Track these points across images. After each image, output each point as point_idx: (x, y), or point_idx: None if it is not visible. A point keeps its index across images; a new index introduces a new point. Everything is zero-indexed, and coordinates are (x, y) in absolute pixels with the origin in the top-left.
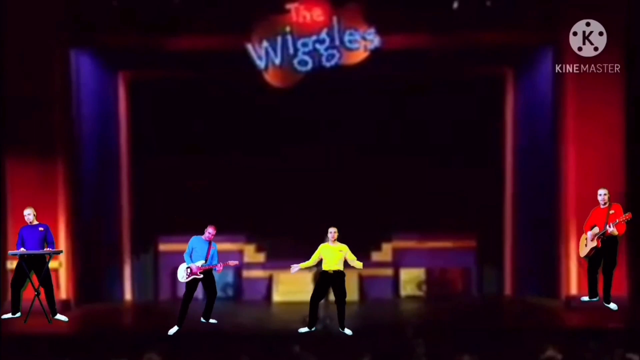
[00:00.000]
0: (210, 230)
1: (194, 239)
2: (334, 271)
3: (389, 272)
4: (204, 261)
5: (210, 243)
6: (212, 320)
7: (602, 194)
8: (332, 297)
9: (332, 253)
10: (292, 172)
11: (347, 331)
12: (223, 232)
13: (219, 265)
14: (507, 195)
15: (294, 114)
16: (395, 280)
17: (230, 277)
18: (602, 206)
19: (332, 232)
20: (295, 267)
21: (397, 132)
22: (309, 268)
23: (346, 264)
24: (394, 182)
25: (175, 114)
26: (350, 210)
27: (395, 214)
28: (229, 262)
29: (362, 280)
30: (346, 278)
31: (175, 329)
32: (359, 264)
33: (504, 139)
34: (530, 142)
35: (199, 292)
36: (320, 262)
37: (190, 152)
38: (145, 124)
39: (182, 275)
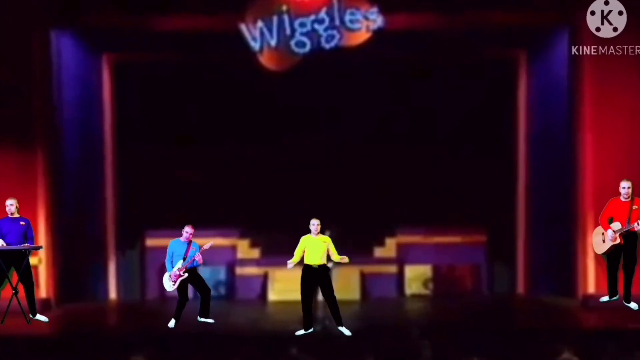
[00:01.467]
0: (187, 230)
1: (172, 243)
2: (319, 266)
3: (393, 269)
4: (182, 261)
5: (190, 243)
6: (208, 320)
7: (626, 187)
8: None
9: (316, 245)
10: (289, 163)
11: (346, 330)
12: (215, 226)
13: (197, 256)
14: (519, 186)
15: (291, 100)
16: (400, 277)
17: (222, 275)
18: (623, 199)
19: (315, 224)
20: (290, 264)
21: (401, 120)
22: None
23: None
24: (398, 173)
25: (164, 100)
26: (352, 204)
27: (399, 207)
28: (204, 247)
29: (364, 277)
30: (347, 276)
31: (173, 321)
32: (344, 259)
33: (516, 126)
34: (545, 130)
35: (191, 292)
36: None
37: (180, 141)
38: (132, 111)
39: (168, 284)
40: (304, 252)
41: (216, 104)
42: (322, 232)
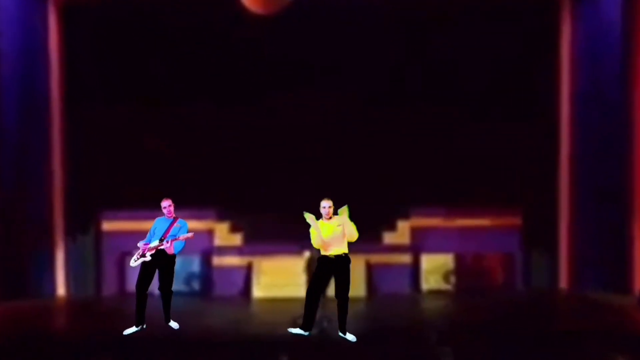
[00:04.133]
0: (164, 205)
1: (157, 221)
2: (336, 256)
3: (406, 258)
4: (158, 241)
5: (174, 220)
6: (172, 324)
7: None
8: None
9: (330, 229)
10: (278, 129)
11: (350, 336)
12: (187, 205)
13: (165, 241)
14: (562, 157)
15: (281, 51)
16: (415, 269)
17: (195, 266)
18: None
19: (326, 206)
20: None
21: (416, 76)
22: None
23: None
24: (412, 141)
25: (123, 50)
26: (355, 178)
27: (414, 183)
28: (180, 236)
29: (371, 269)
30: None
31: (132, 329)
32: (353, 235)
33: (558, 83)
34: (593, 88)
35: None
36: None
37: (144, 101)
38: (85, 64)
39: (133, 258)
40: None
41: (187, 55)
42: (316, 213)
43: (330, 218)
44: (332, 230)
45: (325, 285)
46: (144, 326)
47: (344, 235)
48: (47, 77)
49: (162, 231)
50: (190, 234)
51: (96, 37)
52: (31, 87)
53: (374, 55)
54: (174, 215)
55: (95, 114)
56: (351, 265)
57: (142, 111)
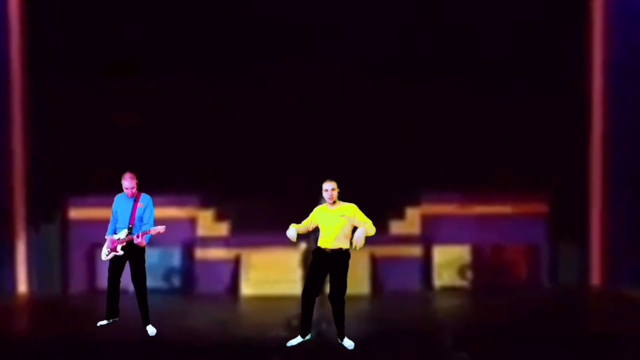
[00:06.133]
0: (126, 185)
1: (117, 198)
2: (332, 250)
3: (416, 251)
4: (127, 230)
5: (136, 200)
6: (149, 329)
7: None
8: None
9: (332, 220)
10: (269, 102)
11: (348, 343)
12: (166, 191)
13: (135, 235)
14: (594, 136)
15: (272, 12)
16: (426, 263)
17: (176, 259)
18: None
19: (329, 188)
20: (291, 230)
21: (427, 41)
22: (304, 234)
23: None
24: (423, 117)
25: (94, 15)
26: (357, 159)
27: (425, 165)
28: (151, 229)
29: (376, 263)
30: (352, 261)
31: (104, 322)
32: (370, 230)
33: (589, 51)
34: (630, 56)
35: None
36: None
37: (117, 71)
38: (49, 29)
39: (104, 251)
40: (313, 226)
41: (164, 18)
42: (312, 198)
43: (334, 203)
44: (334, 217)
45: (322, 282)
46: (117, 319)
47: (346, 228)
48: (6, 44)
49: (127, 216)
50: (161, 228)
51: None
52: None
53: (379, 16)
54: (136, 194)
55: (61, 87)
56: (350, 262)
57: (115, 83)
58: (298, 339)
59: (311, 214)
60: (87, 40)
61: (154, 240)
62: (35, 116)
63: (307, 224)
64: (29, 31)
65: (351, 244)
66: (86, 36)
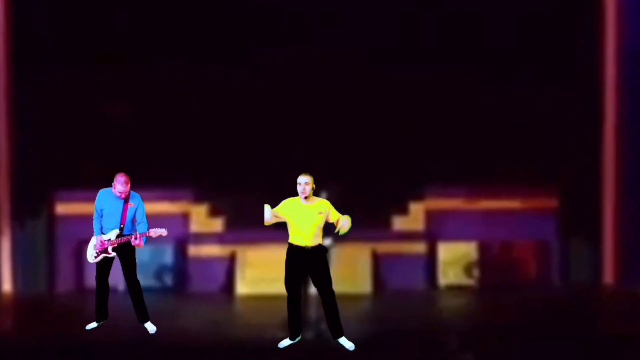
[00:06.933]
0: (119, 187)
1: (102, 194)
2: (312, 247)
3: (420, 248)
4: (118, 230)
5: (126, 201)
6: (148, 326)
7: None
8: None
9: (306, 215)
10: (266, 93)
11: (346, 342)
12: (158, 185)
13: (133, 236)
14: (606, 126)
15: None
16: (431, 261)
17: (168, 257)
18: None
19: (303, 182)
20: (267, 212)
21: (432, 28)
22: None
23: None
24: (427, 107)
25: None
26: (358, 152)
27: (429, 157)
28: (151, 231)
29: (378, 261)
30: (352, 257)
31: (93, 324)
32: (346, 224)
33: (602, 38)
34: None
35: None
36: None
37: (106, 60)
38: (36, 15)
39: (90, 254)
40: (281, 220)
41: (157, 4)
42: (316, 194)
43: (308, 198)
44: (309, 213)
45: (302, 280)
46: (106, 321)
47: (322, 224)
48: None
49: (117, 216)
50: (163, 231)
51: None
52: None
53: (381, 3)
54: (127, 195)
55: (48, 76)
56: (354, 255)
57: (104, 72)
58: (287, 341)
59: (280, 205)
60: (76, 27)
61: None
62: (21, 106)
63: (276, 213)
64: (14, 16)
65: (335, 231)
66: (74, 22)
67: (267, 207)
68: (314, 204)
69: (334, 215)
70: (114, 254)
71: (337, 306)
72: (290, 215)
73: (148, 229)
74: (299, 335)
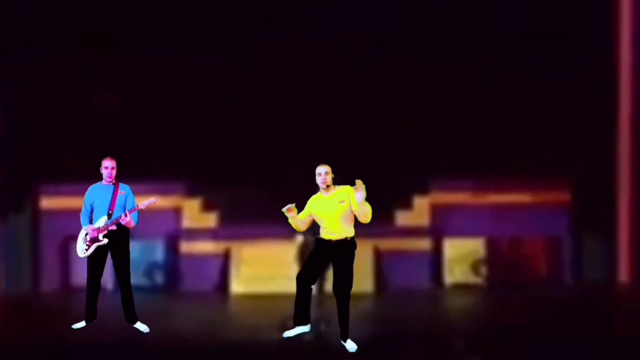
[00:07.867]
0: (105, 164)
1: (92, 189)
2: (337, 240)
3: (424, 244)
4: (106, 217)
5: (115, 187)
6: (140, 326)
7: None
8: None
9: (326, 207)
10: (262, 80)
11: (350, 345)
12: (148, 177)
13: (123, 215)
14: (621, 117)
15: None
16: (436, 258)
17: (159, 253)
18: None
19: (322, 172)
20: (290, 211)
21: (437, 13)
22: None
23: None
24: (432, 96)
25: None
26: (360, 143)
27: (434, 149)
28: (140, 204)
29: (381, 258)
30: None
31: (82, 324)
32: (365, 208)
33: (616, 23)
34: None
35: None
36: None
37: (95, 45)
38: None
39: (80, 248)
40: (311, 219)
41: None
42: (309, 186)
43: (328, 187)
44: (331, 204)
45: (320, 272)
46: (95, 322)
47: (347, 212)
48: None
49: (106, 204)
50: (152, 200)
51: None
52: None
53: None
54: (114, 180)
55: (33, 62)
56: (357, 252)
57: (93, 59)
58: (295, 330)
59: (305, 208)
60: (62, 10)
61: (134, 232)
62: (4, 95)
63: (304, 217)
64: None
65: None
66: (61, 6)
67: (290, 216)
68: (333, 193)
69: (354, 205)
70: (105, 240)
71: (348, 309)
72: (313, 212)
73: (138, 217)
74: (307, 325)
